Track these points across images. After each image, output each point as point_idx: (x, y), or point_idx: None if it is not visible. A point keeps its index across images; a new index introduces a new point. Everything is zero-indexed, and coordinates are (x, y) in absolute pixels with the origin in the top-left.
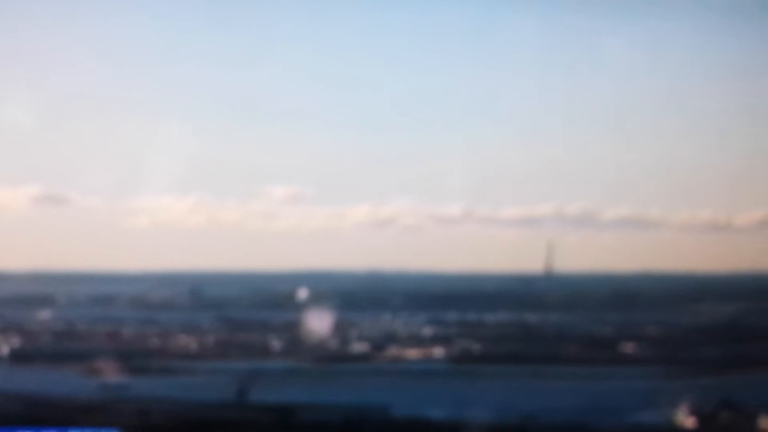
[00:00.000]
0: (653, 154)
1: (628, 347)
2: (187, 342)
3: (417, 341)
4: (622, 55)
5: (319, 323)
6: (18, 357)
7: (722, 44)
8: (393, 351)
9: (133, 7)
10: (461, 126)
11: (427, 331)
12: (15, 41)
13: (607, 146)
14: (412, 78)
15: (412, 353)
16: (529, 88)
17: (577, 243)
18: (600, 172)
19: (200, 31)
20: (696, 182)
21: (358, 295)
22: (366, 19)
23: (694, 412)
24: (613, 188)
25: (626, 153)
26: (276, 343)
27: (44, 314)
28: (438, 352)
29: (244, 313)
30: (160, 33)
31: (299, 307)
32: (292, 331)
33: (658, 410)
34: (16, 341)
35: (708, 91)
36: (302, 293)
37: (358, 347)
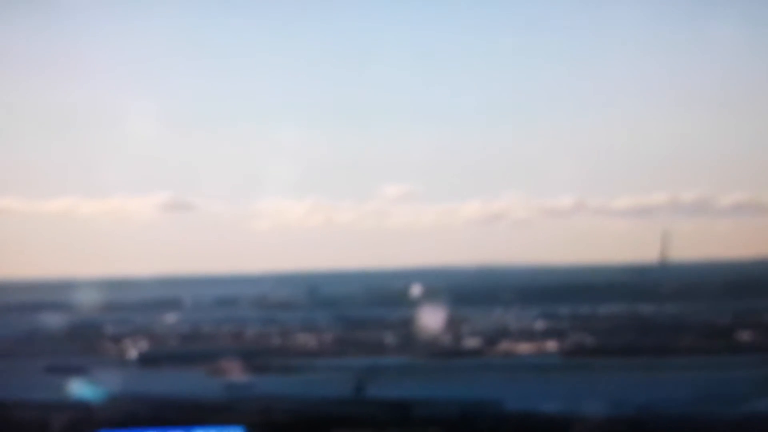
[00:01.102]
0: (766, 136)
1: (746, 335)
2: (307, 340)
3: (529, 335)
4: (726, 36)
5: (432, 319)
6: (146, 359)
7: None
8: (506, 345)
9: (248, 21)
10: (570, 116)
11: (540, 324)
12: (142, 58)
13: (719, 131)
14: (518, 71)
15: (525, 347)
16: (639, 74)
17: (692, 231)
18: (713, 158)
19: (314, 38)
20: None
21: (470, 291)
22: (468, 16)
23: None
24: (727, 174)
25: (739, 137)
26: (391, 340)
27: (171, 317)
28: (551, 345)
29: (360, 310)
30: (277, 43)
31: (413, 304)
32: (406, 327)
33: None
34: (144, 344)
35: None
36: (416, 290)
37: (471, 342)
